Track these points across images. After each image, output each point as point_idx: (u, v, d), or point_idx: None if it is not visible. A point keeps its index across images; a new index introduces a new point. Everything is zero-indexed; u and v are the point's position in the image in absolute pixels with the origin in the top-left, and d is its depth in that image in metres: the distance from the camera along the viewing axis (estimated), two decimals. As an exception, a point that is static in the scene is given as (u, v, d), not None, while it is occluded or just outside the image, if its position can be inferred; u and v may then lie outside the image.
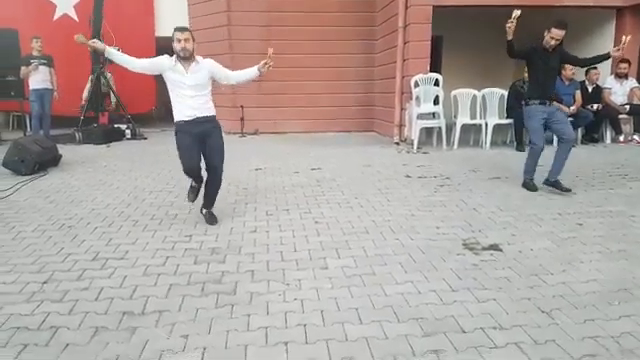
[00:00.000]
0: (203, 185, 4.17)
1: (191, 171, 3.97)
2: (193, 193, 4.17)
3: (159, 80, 4.19)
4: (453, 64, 11.06)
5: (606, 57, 5.17)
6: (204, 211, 4.25)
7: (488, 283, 2.94)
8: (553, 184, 5.00)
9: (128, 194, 5.19)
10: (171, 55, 3.86)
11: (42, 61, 8.64)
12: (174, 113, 3.94)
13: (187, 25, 10.44)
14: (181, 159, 3.96)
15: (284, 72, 9.75)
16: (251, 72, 4.13)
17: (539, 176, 5.12)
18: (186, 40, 3.76)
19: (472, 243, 3.62)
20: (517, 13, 4.58)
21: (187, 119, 3.88)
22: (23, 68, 8.56)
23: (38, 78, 8.64)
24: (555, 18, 4.91)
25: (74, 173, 6.28)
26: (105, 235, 3.89)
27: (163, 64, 3.84)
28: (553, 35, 4.75)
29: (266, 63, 4.02)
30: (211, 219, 4.17)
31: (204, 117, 3.93)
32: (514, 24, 4.63)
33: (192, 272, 3.14)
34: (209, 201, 4.24)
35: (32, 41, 8.62)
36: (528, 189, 5.08)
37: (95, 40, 3.73)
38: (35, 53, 8.62)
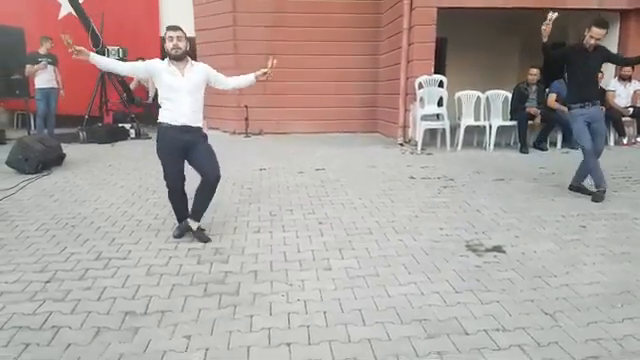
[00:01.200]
0: (195, 193, 3.79)
1: (174, 189, 3.76)
2: (180, 230, 3.86)
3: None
4: (457, 66, 11.05)
5: None
6: (194, 226, 3.79)
7: (491, 285, 2.93)
8: (576, 189, 4.97)
9: (132, 193, 5.20)
10: (163, 59, 3.70)
11: (49, 60, 8.69)
12: (161, 115, 3.69)
13: (193, 25, 10.53)
14: (165, 173, 3.74)
15: (289, 73, 9.74)
16: (248, 79, 3.95)
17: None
18: (178, 38, 3.56)
19: (475, 245, 3.61)
20: (553, 15, 4.43)
21: (174, 123, 3.62)
22: (28, 66, 8.60)
23: (45, 77, 8.70)
24: (594, 17, 4.74)
25: (78, 172, 6.29)
26: (108, 234, 3.90)
27: (155, 66, 3.65)
28: (593, 34, 4.57)
29: (265, 73, 3.90)
30: (202, 236, 3.77)
31: (192, 126, 3.68)
32: (549, 26, 4.48)
33: (195, 272, 3.14)
34: (197, 211, 3.80)
35: (43, 41, 8.65)
36: (595, 200, 4.68)
37: (81, 48, 3.48)
38: (42, 52, 8.66)
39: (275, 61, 3.88)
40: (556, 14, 4.47)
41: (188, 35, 3.77)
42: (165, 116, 3.66)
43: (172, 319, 2.54)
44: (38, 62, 8.60)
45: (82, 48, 3.50)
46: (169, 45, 3.57)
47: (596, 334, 2.37)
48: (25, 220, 4.26)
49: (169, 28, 3.63)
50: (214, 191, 3.78)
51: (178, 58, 3.61)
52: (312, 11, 9.81)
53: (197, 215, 3.81)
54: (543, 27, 4.53)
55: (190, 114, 3.65)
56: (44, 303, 2.72)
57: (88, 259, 3.37)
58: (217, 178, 3.71)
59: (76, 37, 3.75)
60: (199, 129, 3.76)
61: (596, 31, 4.56)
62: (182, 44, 3.58)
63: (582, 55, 4.73)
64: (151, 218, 4.33)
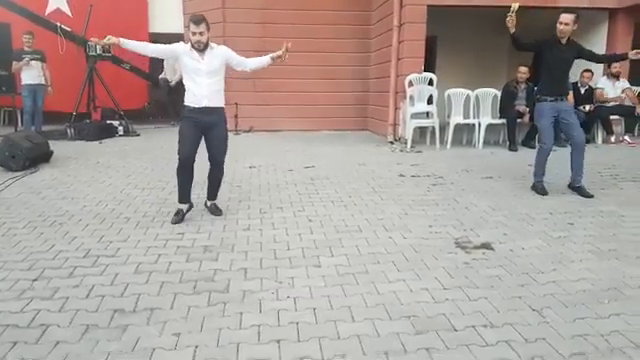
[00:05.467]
0: (207, 177, 4.32)
1: (185, 161, 4.02)
2: (178, 216, 4.13)
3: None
4: (447, 64, 11.09)
5: (623, 58, 5.18)
6: (208, 203, 4.38)
7: (479, 281, 2.96)
8: (577, 189, 4.91)
9: (120, 191, 5.16)
10: (186, 42, 3.99)
11: (35, 56, 8.57)
12: (186, 97, 4.02)
13: (182, 22, 10.45)
14: (179, 147, 4.03)
15: (279, 70, 9.65)
16: (264, 60, 4.26)
17: (533, 180, 5.12)
18: (201, 33, 3.82)
19: (464, 242, 3.64)
20: (515, 6, 4.51)
21: (196, 106, 3.96)
22: (14, 63, 8.48)
23: (31, 73, 8.57)
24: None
25: (66, 169, 6.24)
26: (97, 232, 3.87)
27: (177, 50, 3.94)
28: (561, 20, 4.67)
29: (280, 57, 4.22)
30: (216, 211, 4.30)
31: (213, 107, 4.02)
32: (513, 17, 4.57)
33: (184, 270, 3.13)
34: (212, 192, 4.35)
35: (23, 36, 8.54)
36: (537, 192, 4.93)
37: (110, 37, 3.76)
38: (26, 48, 8.55)
39: (290, 44, 4.21)
40: (518, 4, 4.54)
41: (177, 31, 3.90)
42: (188, 98, 4.00)
43: (161, 316, 2.54)
44: (22, 58, 8.48)
45: (111, 38, 3.76)
46: (193, 39, 3.86)
47: (583, 330, 2.39)
48: (12, 218, 4.22)
49: (192, 21, 3.86)
50: (223, 173, 4.31)
51: (201, 50, 3.90)
52: (302, 8, 9.79)
53: (211, 195, 4.36)
54: (507, 19, 4.60)
55: (210, 95, 3.96)
56: (32, 301, 2.70)
57: (76, 257, 3.35)
58: (222, 164, 4.24)
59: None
60: (219, 109, 4.11)
61: (563, 16, 4.68)
62: (204, 38, 3.86)
63: (555, 48, 4.80)
64: (140, 215, 4.31)
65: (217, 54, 3.99)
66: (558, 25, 4.72)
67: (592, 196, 4.80)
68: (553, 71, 4.87)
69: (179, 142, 4.02)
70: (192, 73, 3.93)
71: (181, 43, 4.01)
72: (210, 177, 4.31)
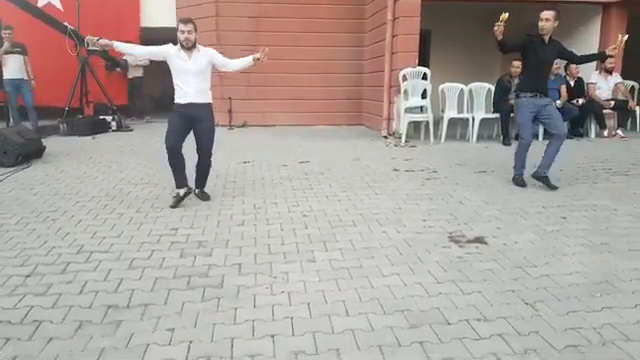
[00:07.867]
0: (195, 167, 4.50)
1: (171, 149, 4.27)
2: (176, 199, 4.42)
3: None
4: (441, 58, 11.09)
5: (602, 56, 5.27)
6: (197, 191, 4.60)
7: (473, 275, 2.97)
8: (541, 179, 4.96)
9: (113, 186, 5.14)
10: (175, 44, 4.24)
11: (16, 49, 8.42)
12: (175, 95, 4.31)
13: (175, 16, 10.40)
14: (166, 136, 4.29)
15: (273, 64, 9.62)
16: (246, 61, 4.46)
17: (526, 174, 5.14)
18: (189, 32, 4.13)
19: (458, 236, 3.65)
20: (505, 16, 4.55)
21: (182, 102, 4.27)
22: None
23: (13, 67, 8.39)
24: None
25: (58, 165, 6.20)
26: (90, 228, 3.85)
27: (168, 51, 4.23)
28: (542, 16, 4.76)
29: (259, 59, 4.37)
30: (204, 196, 4.59)
31: (199, 103, 4.29)
32: (501, 27, 4.61)
33: (178, 265, 3.13)
34: (200, 182, 4.62)
35: (3, 31, 8.41)
36: (517, 184, 5.04)
37: (105, 41, 4.11)
38: (6, 42, 8.41)
39: (267, 49, 4.35)
40: (507, 14, 4.58)
41: (170, 25, 4.02)
42: (176, 95, 4.32)
43: (155, 312, 2.53)
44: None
45: (106, 41, 4.13)
46: (181, 37, 4.14)
47: (576, 323, 2.41)
48: (4, 214, 4.19)
49: (181, 21, 4.20)
50: (210, 163, 4.55)
51: (189, 48, 4.19)
52: (296, 2, 9.75)
53: (199, 183, 4.62)
54: (495, 28, 4.63)
55: (195, 92, 4.26)
56: (24, 297, 2.69)
57: (69, 253, 3.33)
58: (208, 157, 4.49)
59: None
60: (205, 105, 4.36)
61: (544, 12, 4.77)
62: (192, 37, 4.17)
63: (538, 47, 4.86)
64: (133, 211, 4.29)
65: (203, 55, 4.29)
66: (539, 22, 4.79)
67: (557, 188, 4.88)
68: (535, 69, 4.94)
69: (167, 132, 4.29)
70: (181, 73, 4.23)
71: (170, 44, 4.28)
72: (198, 167, 4.52)
